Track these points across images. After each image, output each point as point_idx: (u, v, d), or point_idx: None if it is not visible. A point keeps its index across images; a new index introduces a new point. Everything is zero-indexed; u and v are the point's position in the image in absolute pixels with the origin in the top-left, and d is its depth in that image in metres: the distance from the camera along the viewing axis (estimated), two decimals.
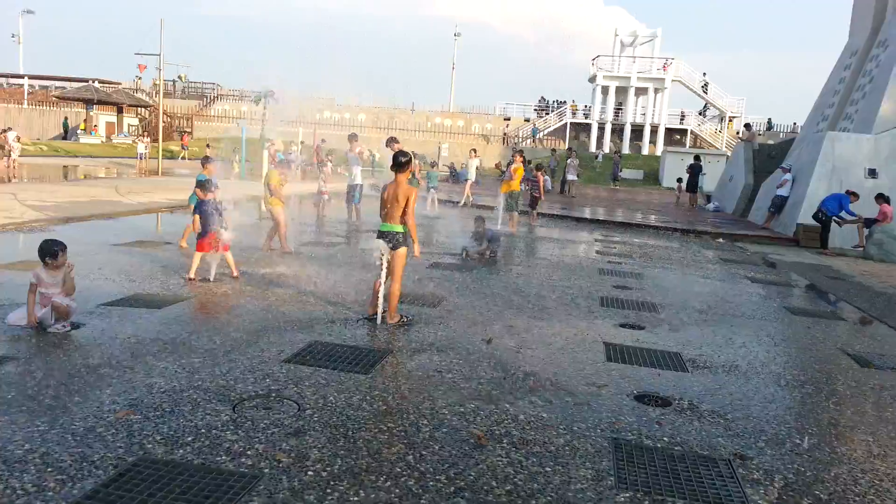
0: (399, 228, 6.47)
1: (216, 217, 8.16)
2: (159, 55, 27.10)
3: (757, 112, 70.81)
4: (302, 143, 35.01)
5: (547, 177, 28.78)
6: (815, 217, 16.11)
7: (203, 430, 3.93)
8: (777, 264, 13.30)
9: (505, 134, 51.26)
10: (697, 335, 7.08)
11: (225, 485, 3.35)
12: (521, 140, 50.77)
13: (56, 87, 51.81)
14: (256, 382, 4.77)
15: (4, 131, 25.42)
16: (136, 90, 52.96)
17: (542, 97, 56.49)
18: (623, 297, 8.74)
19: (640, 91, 51.36)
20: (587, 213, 20.49)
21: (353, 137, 14.04)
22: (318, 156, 28.87)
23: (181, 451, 3.68)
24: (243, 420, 4.12)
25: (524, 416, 4.52)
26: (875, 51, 19.76)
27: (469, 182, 20.09)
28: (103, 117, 49.00)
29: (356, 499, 3.30)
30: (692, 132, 50.57)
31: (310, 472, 3.53)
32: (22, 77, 56.05)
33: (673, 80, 49.78)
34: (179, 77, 56.13)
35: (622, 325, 7.25)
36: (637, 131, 51.03)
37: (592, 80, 51.91)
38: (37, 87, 54.80)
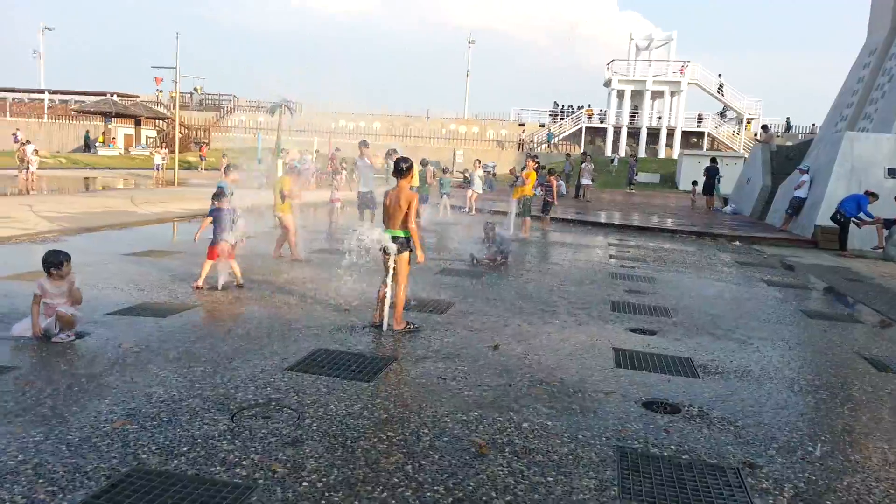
0: (401, 234, 6.45)
1: (228, 226, 8.18)
2: (175, 68, 27.33)
3: (775, 113, 70.26)
4: (317, 151, 35.21)
5: (562, 181, 28.66)
6: (833, 218, 15.84)
7: (199, 440, 3.88)
8: (794, 267, 13.07)
9: (521, 140, 51.18)
10: (710, 340, 6.94)
11: (218, 496, 3.30)
12: (536, 145, 50.65)
13: (75, 101, 52.50)
14: (257, 391, 4.72)
15: (23, 144, 25.78)
16: (157, 103, 53.56)
17: (556, 102, 56.43)
18: (635, 302, 8.60)
19: (657, 94, 51.13)
20: (601, 218, 20.31)
21: (363, 144, 14.02)
22: (332, 164, 29.00)
23: (176, 461, 3.63)
24: (241, 429, 4.06)
25: (528, 424, 4.42)
26: (894, 49, 19.44)
27: (473, 193, 19.95)
28: (121, 130, 49.59)
29: None
30: (709, 135, 50.16)
31: (304, 483, 3.47)
32: (42, 92, 56.93)
33: (689, 83, 49.52)
34: (195, 89, 56.72)
35: (633, 330, 7.13)
36: (653, 135, 50.75)
37: (608, 84, 51.75)
38: (56, 102, 55.60)
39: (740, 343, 6.89)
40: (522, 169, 16.38)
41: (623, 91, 50.46)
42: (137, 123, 48.58)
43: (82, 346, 5.61)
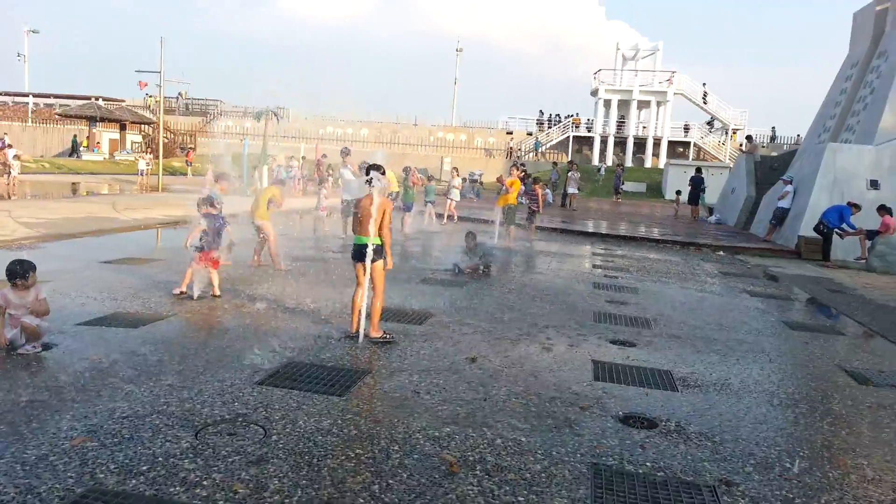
0: (373, 241, 6.33)
1: (213, 234, 8.05)
2: (160, 72, 27.12)
3: (761, 124, 70.61)
4: (304, 157, 35.07)
5: (548, 190, 28.65)
6: (816, 229, 15.90)
7: (160, 459, 3.76)
8: (778, 277, 13.08)
9: (510, 148, 51.23)
10: (690, 352, 6.88)
11: None
12: (524, 154, 50.73)
13: (60, 105, 52.05)
14: (225, 406, 4.59)
15: (2, 149, 25.45)
16: (146, 108, 53.13)
17: (541, 110, 56.59)
18: (617, 313, 8.54)
19: (643, 104, 51.39)
20: (587, 227, 20.29)
21: (345, 152, 13.94)
22: (319, 170, 28.84)
23: (134, 481, 3.50)
24: (204, 447, 3.94)
25: (501, 440, 4.33)
26: (876, 62, 19.60)
27: (450, 201, 19.86)
28: (107, 134, 49.21)
29: None
30: (695, 145, 50.43)
31: None
32: (26, 95, 56.41)
33: (675, 94, 49.78)
34: (180, 94, 56.39)
35: (613, 342, 7.05)
36: (640, 144, 50.96)
37: (595, 93, 51.96)
38: (41, 105, 55.12)
39: (721, 355, 6.83)
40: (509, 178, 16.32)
41: (610, 100, 50.66)
42: (122, 128, 48.24)
43: (48, 358, 5.46)
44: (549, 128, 53.84)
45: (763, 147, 43.25)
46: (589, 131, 52.00)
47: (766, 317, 9.04)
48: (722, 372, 6.24)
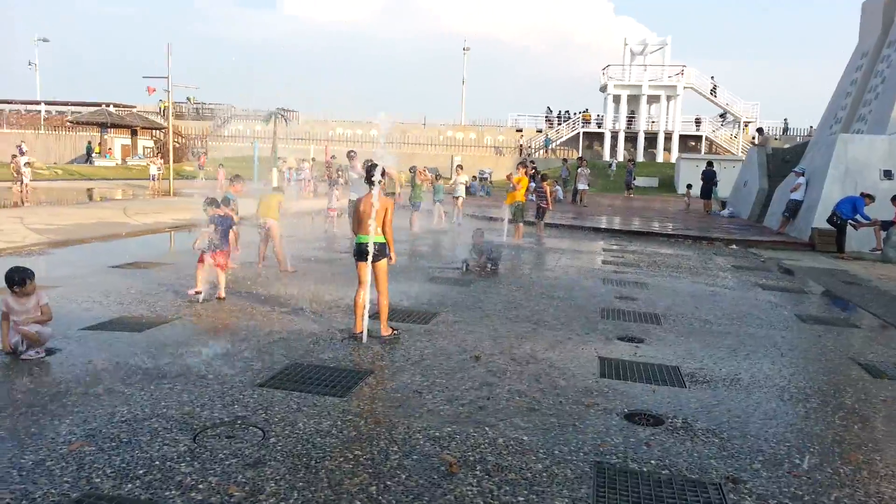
0: (375, 240, 6.29)
1: (221, 234, 8.08)
2: (167, 77, 27.25)
3: (774, 117, 69.98)
4: (313, 159, 35.13)
5: (558, 186, 28.54)
6: (829, 221, 15.68)
7: (157, 462, 3.72)
8: (791, 270, 12.90)
9: (520, 146, 51.07)
10: (699, 347, 6.78)
11: None
12: (533, 151, 50.55)
13: (71, 112, 52.43)
14: (224, 408, 4.56)
15: (15, 156, 25.65)
16: (160, 113, 53.41)
17: (549, 107, 56.32)
18: (625, 309, 8.44)
19: (653, 99, 51.05)
20: (597, 223, 20.15)
21: (352, 155, 13.90)
22: (328, 171, 28.90)
23: (130, 485, 3.47)
24: (202, 450, 3.90)
25: (503, 439, 4.26)
26: (885, 51, 19.34)
27: (460, 198, 19.72)
28: (118, 140, 49.59)
29: None
30: (707, 138, 50.03)
31: None
32: (38, 103, 56.90)
33: (686, 87, 49.43)
34: (188, 99, 56.71)
35: (620, 339, 6.96)
36: (651, 139, 50.63)
37: (604, 89, 51.71)
38: (53, 113, 55.56)
39: (730, 350, 6.72)
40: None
41: (619, 96, 50.39)
42: (134, 133, 48.56)
43: (51, 363, 5.46)
44: (559, 125, 53.60)
45: (776, 139, 42.85)
46: (599, 127, 51.73)
47: (778, 310, 8.91)
48: (732, 367, 6.13)
